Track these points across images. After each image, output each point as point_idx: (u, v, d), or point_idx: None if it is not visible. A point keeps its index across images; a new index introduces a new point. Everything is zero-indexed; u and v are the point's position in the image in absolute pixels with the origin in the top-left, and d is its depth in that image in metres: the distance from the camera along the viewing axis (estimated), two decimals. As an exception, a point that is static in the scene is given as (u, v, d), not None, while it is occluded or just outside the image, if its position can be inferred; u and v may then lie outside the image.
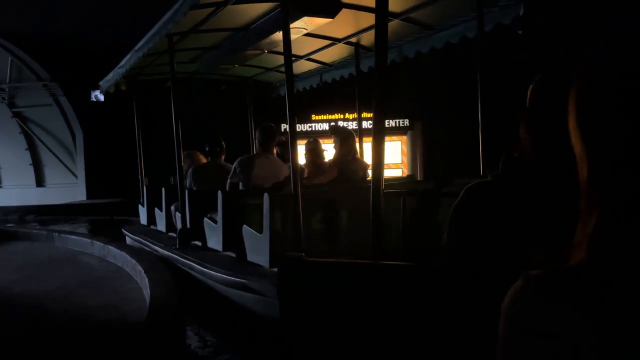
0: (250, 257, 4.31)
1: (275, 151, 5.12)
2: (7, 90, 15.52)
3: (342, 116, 11.19)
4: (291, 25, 4.38)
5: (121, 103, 8.59)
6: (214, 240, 5.01)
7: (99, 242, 6.30)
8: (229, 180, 4.95)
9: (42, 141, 16.01)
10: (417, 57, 5.74)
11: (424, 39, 5.49)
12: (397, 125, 12.42)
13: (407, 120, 12.80)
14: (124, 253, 5.30)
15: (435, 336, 2.11)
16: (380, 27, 3.12)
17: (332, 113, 11.09)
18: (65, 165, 16.22)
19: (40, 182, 16.75)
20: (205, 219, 5.14)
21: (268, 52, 6.02)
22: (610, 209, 0.52)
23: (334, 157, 5.27)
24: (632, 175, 0.51)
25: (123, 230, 7.49)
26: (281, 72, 7.30)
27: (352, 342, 3.10)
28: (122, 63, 6.23)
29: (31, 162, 16.50)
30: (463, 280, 1.40)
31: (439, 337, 2.02)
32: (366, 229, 3.21)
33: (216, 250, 4.94)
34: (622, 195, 0.51)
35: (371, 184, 3.07)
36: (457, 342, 1.46)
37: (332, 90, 7.84)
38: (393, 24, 5.32)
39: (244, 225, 4.37)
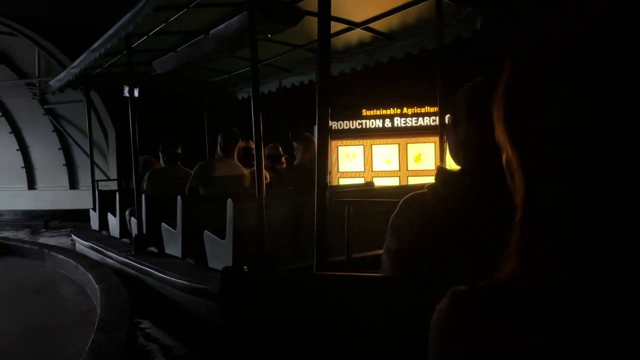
0: (212, 264, 4.24)
1: (235, 156, 5.07)
2: (37, 85, 14.24)
3: (399, 111, 9.31)
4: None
5: (155, 99, 8.03)
6: (173, 246, 4.91)
7: (82, 268, 5.31)
8: (188, 185, 4.87)
9: (74, 140, 14.69)
10: (377, 65, 5.85)
11: (384, 48, 5.60)
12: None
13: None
14: (99, 289, 4.39)
15: (377, 347, 2.14)
16: (322, 30, 3.09)
17: (386, 108, 9.40)
18: (98, 166, 15.14)
19: (73, 184, 15.46)
20: (163, 224, 5.03)
21: (228, 56, 5.99)
22: (541, 220, 0.51)
23: (296, 163, 5.28)
24: (564, 184, 0.49)
25: (72, 235, 7.22)
26: (240, 76, 7.25)
27: (294, 356, 3.18)
28: (75, 63, 6.02)
29: (64, 163, 15.17)
30: (398, 291, 1.41)
31: (380, 348, 2.04)
32: (329, 235, 3.23)
33: (174, 257, 4.84)
34: (553, 205, 0.50)
35: (315, 193, 3.07)
36: (397, 352, 1.46)
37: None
38: (354, 33, 5.41)
39: (206, 231, 4.30)
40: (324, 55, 3.12)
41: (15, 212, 15.15)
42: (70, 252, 6.29)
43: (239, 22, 4.83)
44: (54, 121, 14.69)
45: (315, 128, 9.37)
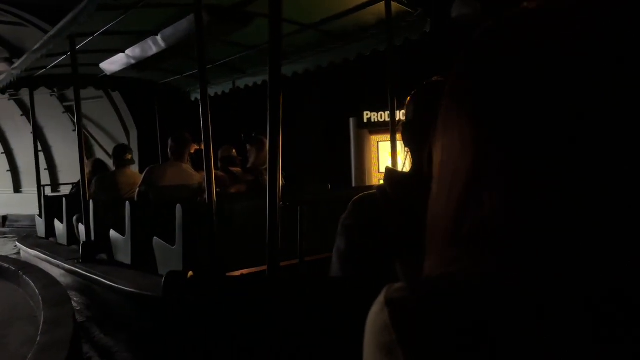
0: (162, 271, 4.14)
1: (187, 159, 4.97)
2: None
3: None
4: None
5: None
6: (122, 253, 4.78)
7: (42, 304, 4.20)
8: (137, 190, 4.73)
9: (96, 140, 13.78)
10: (330, 66, 5.87)
11: (336, 50, 5.61)
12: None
13: None
14: (36, 345, 3.33)
15: (323, 348, 2.15)
16: (274, 33, 3.07)
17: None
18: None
19: None
20: (112, 230, 4.88)
21: (179, 57, 5.87)
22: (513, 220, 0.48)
23: (249, 166, 5.22)
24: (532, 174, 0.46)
25: (17, 243, 6.94)
26: (193, 77, 7.13)
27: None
28: (16, 64, 5.79)
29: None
30: (347, 293, 1.42)
31: (326, 349, 2.05)
32: (284, 237, 3.23)
33: (124, 264, 4.71)
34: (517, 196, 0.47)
35: (267, 195, 3.06)
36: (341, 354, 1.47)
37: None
38: (306, 34, 5.40)
39: (155, 237, 4.20)
40: (275, 56, 3.09)
41: (31, 217, 14.35)
42: (45, 277, 5.10)
43: (188, 23, 4.74)
44: (74, 119, 13.84)
45: (352, 120, 8.64)
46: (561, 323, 0.43)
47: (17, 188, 16.00)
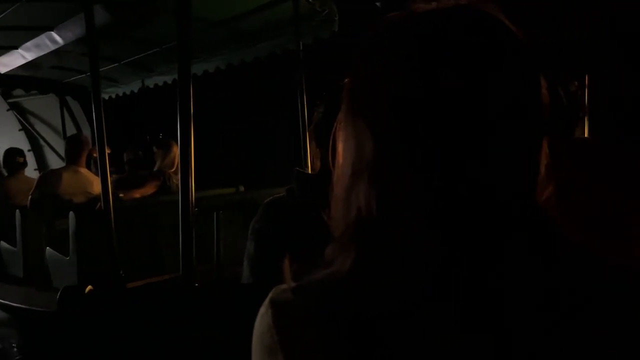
0: (56, 284, 3.88)
1: (85, 163, 4.68)
2: None
3: None
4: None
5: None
6: (14, 266, 4.44)
7: None
8: (30, 197, 4.40)
9: (46, 141, 11.90)
10: (242, 65, 5.76)
11: (248, 48, 5.51)
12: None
13: None
14: None
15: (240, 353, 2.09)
16: (182, 30, 2.99)
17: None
18: None
19: None
20: (2, 242, 4.53)
21: (81, 54, 5.56)
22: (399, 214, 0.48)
23: (156, 169, 5.01)
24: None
25: None
26: (102, 77, 6.77)
27: None
28: None
29: (36, 167, 12.41)
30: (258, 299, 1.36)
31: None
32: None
33: (16, 278, 4.38)
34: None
35: (180, 200, 2.92)
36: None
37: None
38: (217, 32, 5.25)
39: (48, 248, 3.94)
40: (185, 55, 2.98)
41: None
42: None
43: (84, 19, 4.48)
44: (20, 118, 12.03)
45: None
46: (430, 319, 0.43)
47: None
